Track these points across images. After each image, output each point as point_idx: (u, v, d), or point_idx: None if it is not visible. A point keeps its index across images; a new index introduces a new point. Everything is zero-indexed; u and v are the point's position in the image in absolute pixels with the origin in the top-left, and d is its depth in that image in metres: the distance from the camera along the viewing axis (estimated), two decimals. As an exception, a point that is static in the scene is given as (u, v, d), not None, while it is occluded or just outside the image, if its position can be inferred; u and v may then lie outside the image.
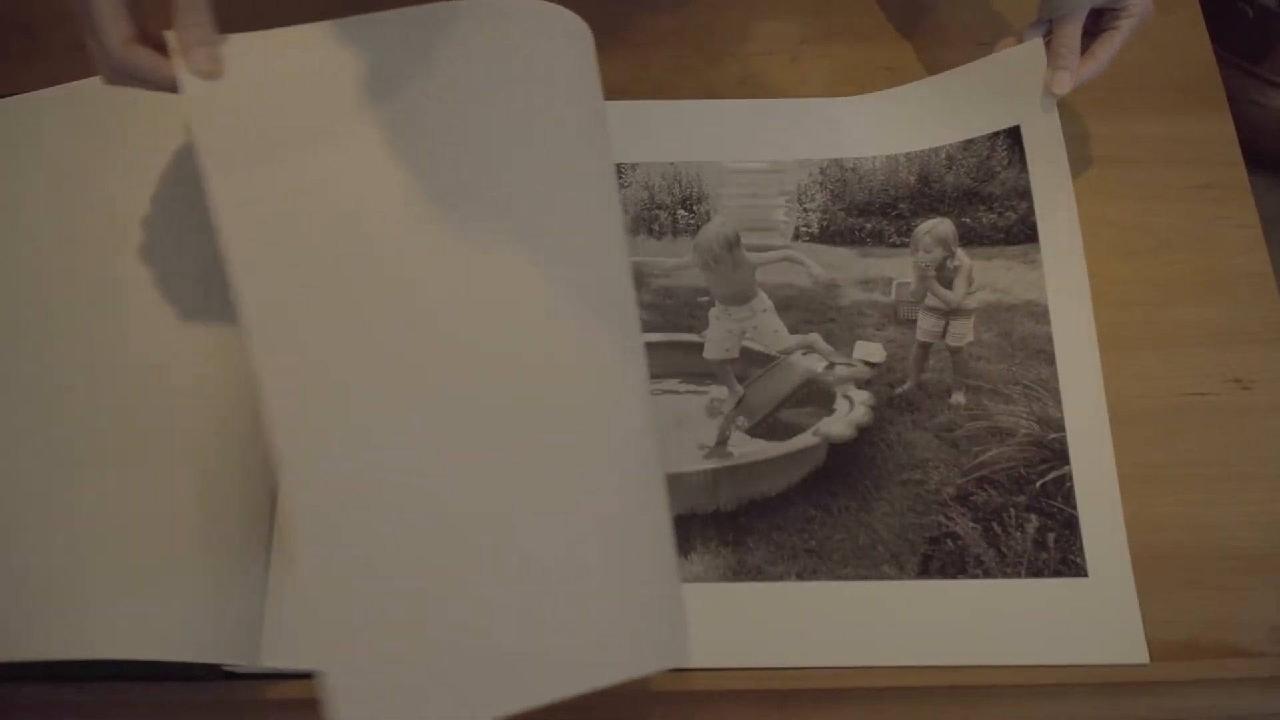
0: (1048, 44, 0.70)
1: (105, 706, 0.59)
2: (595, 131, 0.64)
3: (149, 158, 0.68)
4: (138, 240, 0.65)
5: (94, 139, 0.69)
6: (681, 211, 0.73)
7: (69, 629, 0.55)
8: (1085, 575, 0.61)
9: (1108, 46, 0.69)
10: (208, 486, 0.59)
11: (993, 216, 0.71)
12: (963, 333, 0.68)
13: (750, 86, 0.77)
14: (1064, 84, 0.69)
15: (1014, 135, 0.72)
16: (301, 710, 0.59)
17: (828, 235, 0.72)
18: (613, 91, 0.76)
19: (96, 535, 0.57)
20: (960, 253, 0.70)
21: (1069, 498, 0.62)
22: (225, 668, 0.58)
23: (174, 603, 0.56)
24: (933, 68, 0.76)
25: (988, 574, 0.61)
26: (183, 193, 0.66)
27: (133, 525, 0.57)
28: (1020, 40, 0.71)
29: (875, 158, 0.73)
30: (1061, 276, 0.69)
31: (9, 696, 0.59)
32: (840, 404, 0.66)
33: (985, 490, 0.63)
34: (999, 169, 0.72)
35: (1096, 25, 0.70)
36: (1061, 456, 0.64)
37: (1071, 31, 0.69)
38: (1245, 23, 1.26)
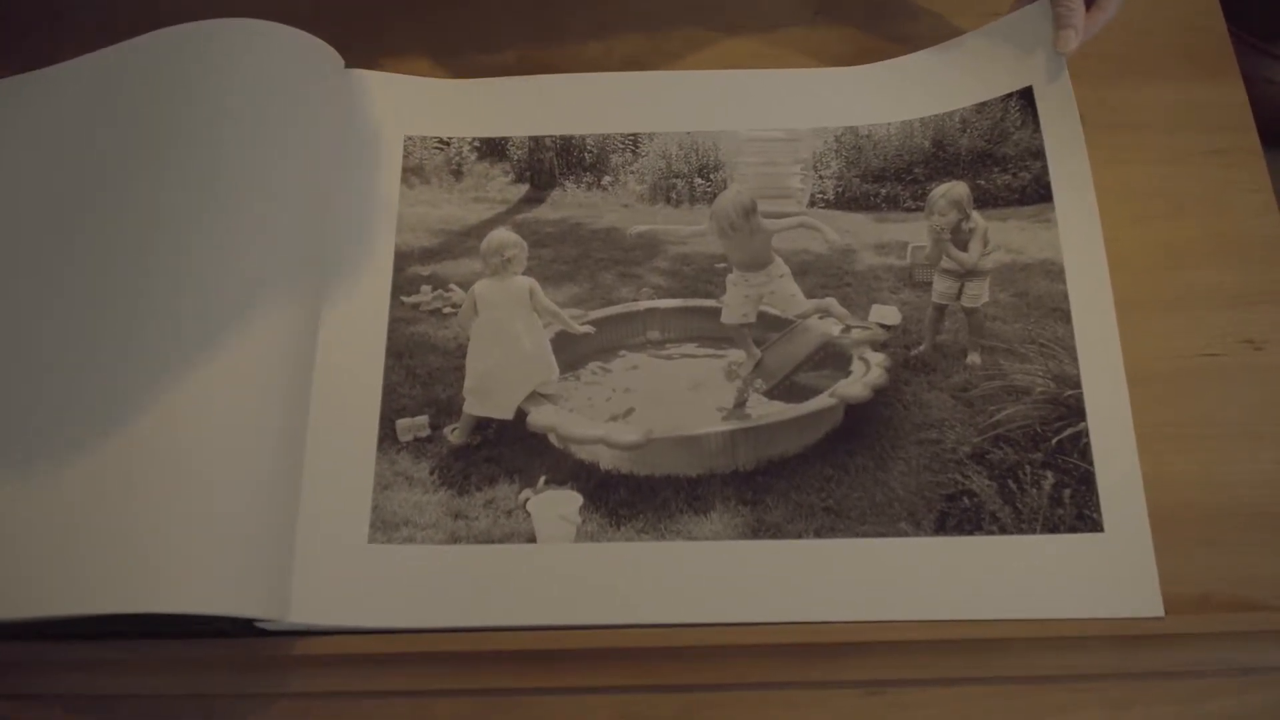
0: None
1: (136, 663, 0.60)
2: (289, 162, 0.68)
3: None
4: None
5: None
6: (698, 180, 0.74)
7: (114, 584, 0.56)
8: (1101, 530, 0.61)
9: None
10: (239, 442, 0.60)
11: (1007, 177, 0.71)
12: (978, 294, 0.68)
13: (765, 57, 0.78)
14: (1069, 42, 0.70)
15: (1026, 96, 0.73)
16: (331, 666, 0.60)
17: (843, 201, 0.73)
18: (630, 63, 0.78)
19: (140, 492, 0.58)
20: (975, 215, 0.71)
21: (1085, 453, 0.63)
22: (256, 623, 0.59)
23: (214, 557, 0.57)
24: (945, 36, 0.76)
25: (1004, 530, 0.62)
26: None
27: (175, 481, 0.58)
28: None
29: (890, 124, 0.74)
30: (1077, 233, 0.69)
31: (41, 654, 0.60)
32: (856, 366, 0.67)
33: (1001, 448, 0.64)
34: (1012, 130, 0.72)
35: None
36: (1078, 413, 0.64)
37: None
38: (1259, 0, 1.26)
